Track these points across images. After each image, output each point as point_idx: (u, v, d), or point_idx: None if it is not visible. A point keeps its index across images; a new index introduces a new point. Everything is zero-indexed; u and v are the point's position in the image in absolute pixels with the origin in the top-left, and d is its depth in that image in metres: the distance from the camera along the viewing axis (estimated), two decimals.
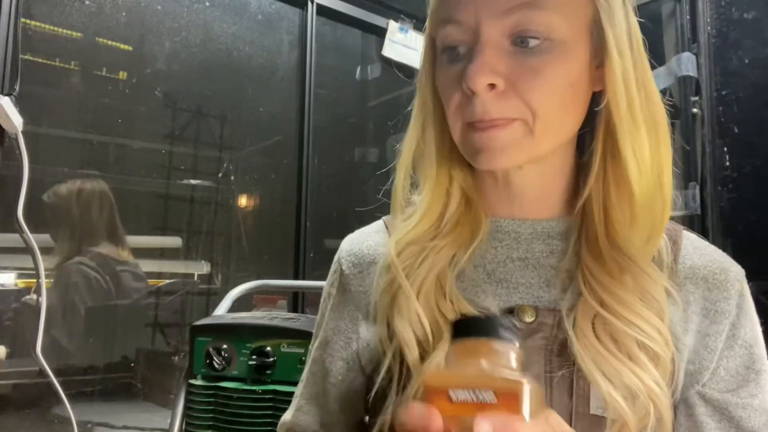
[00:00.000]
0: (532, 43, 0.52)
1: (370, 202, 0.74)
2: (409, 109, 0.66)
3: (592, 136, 0.59)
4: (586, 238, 0.59)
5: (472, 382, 0.38)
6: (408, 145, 0.64)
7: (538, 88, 0.53)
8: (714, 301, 0.58)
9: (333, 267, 0.71)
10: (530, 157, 0.57)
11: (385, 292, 0.61)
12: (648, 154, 0.56)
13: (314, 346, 0.70)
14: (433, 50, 0.61)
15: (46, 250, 1.51)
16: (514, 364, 0.40)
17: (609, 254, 0.56)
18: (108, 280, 1.74)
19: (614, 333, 0.53)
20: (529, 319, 0.56)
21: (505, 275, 0.60)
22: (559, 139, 0.57)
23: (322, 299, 0.71)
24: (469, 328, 0.42)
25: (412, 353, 0.56)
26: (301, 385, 0.71)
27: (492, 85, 0.52)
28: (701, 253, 0.61)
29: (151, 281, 1.87)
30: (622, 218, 0.57)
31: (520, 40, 0.53)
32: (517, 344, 0.41)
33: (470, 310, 0.57)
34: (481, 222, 0.61)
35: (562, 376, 0.53)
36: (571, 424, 0.52)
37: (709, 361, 0.57)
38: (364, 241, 0.69)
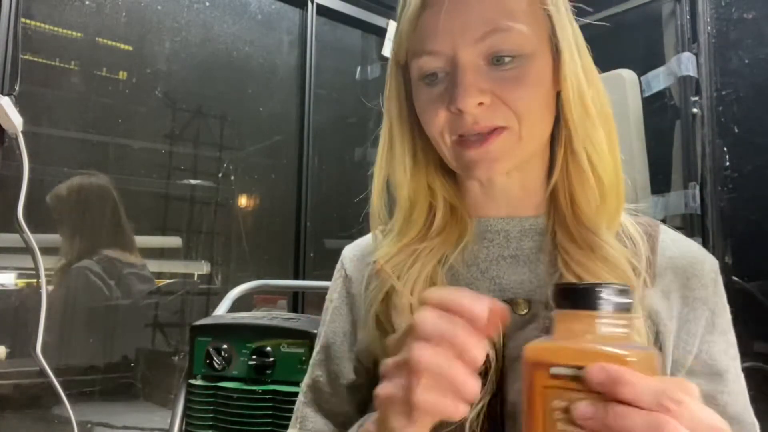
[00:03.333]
0: (507, 60, 0.57)
1: (369, 203, 0.75)
2: (377, 132, 0.68)
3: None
4: (558, 222, 0.63)
5: (574, 358, 0.38)
6: (380, 169, 0.66)
7: (521, 95, 0.57)
8: (692, 288, 0.61)
9: (336, 274, 0.73)
10: (519, 161, 0.61)
11: (375, 298, 0.63)
12: (604, 142, 0.60)
13: (316, 352, 0.71)
14: (399, 75, 0.65)
15: (46, 250, 1.51)
16: (620, 331, 0.39)
17: (577, 230, 0.61)
18: (112, 286, 1.74)
19: None
20: (522, 311, 0.59)
21: (497, 272, 0.63)
22: (541, 141, 0.62)
23: (324, 307, 0.73)
24: (572, 298, 0.41)
25: None
26: (300, 396, 0.71)
27: (480, 103, 0.56)
28: (679, 245, 0.64)
29: None
30: (586, 204, 0.61)
31: (495, 60, 0.57)
32: (631, 308, 0.40)
33: None
34: (466, 224, 0.64)
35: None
36: None
37: (691, 346, 0.60)
38: (364, 249, 0.72)
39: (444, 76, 0.58)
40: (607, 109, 0.62)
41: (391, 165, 0.65)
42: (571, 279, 0.58)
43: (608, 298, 0.39)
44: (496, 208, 0.65)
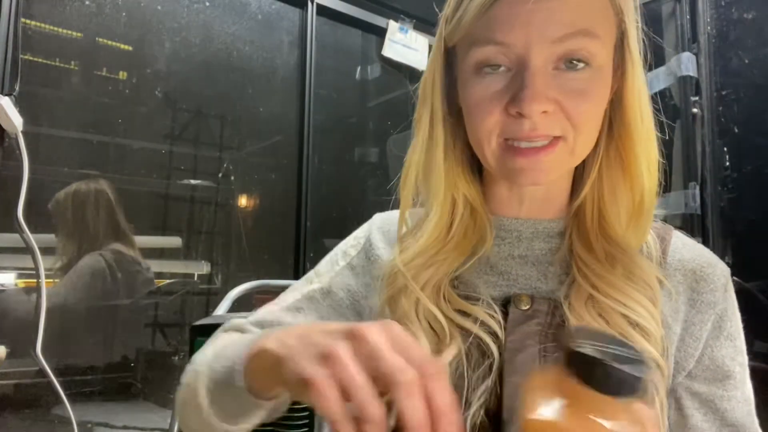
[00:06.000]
0: (579, 67, 0.54)
1: (370, 202, 0.75)
2: (411, 118, 0.66)
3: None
4: (578, 234, 0.62)
5: None
6: (416, 157, 0.63)
7: (584, 108, 0.55)
8: (701, 292, 0.61)
9: (360, 232, 0.72)
10: (566, 171, 0.61)
11: (388, 294, 0.62)
12: (654, 162, 0.60)
13: (312, 288, 0.70)
14: (446, 60, 0.62)
15: (46, 250, 1.51)
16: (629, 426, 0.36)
17: (599, 245, 0.60)
18: (120, 278, 1.74)
19: (605, 314, 0.56)
20: (524, 306, 0.59)
21: (506, 268, 0.63)
22: (588, 152, 0.60)
23: (333, 254, 0.72)
24: (588, 373, 0.37)
25: (424, 345, 0.57)
26: (276, 302, 0.70)
27: (545, 111, 0.54)
28: (690, 248, 0.64)
29: None
30: (615, 217, 0.61)
31: (567, 65, 0.54)
32: (641, 394, 0.37)
33: (464, 305, 0.59)
34: (486, 232, 0.63)
35: (556, 360, 0.55)
36: None
37: (694, 349, 0.59)
38: (393, 224, 0.70)
39: (505, 72, 0.55)
40: (652, 121, 0.61)
41: (429, 158, 0.63)
42: (587, 288, 0.57)
43: (627, 384, 0.36)
44: (517, 210, 0.65)
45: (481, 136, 0.57)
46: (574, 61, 0.54)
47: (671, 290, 0.60)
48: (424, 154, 0.63)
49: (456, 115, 0.63)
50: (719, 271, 0.62)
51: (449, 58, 0.62)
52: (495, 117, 0.56)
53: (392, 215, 0.72)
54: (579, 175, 0.64)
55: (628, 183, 0.60)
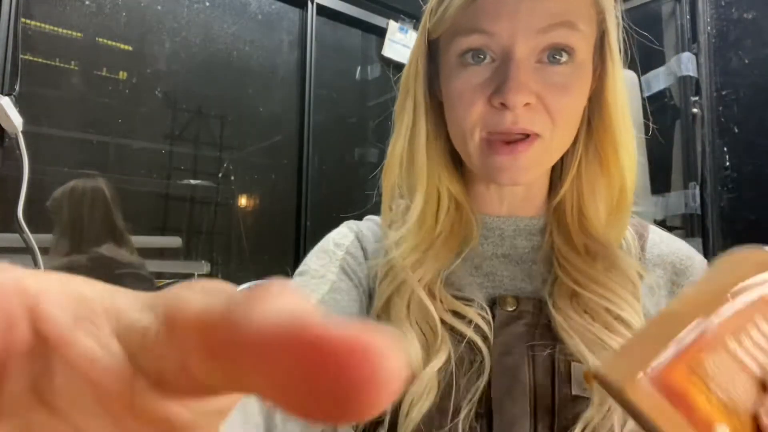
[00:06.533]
0: (563, 60, 0.55)
1: (370, 203, 0.74)
2: (392, 109, 0.66)
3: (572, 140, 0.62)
4: (559, 230, 0.62)
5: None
6: (399, 146, 0.63)
7: (564, 103, 0.55)
8: (680, 285, 0.61)
9: (343, 227, 0.68)
10: (545, 169, 0.61)
11: (386, 295, 0.61)
12: (633, 157, 0.60)
13: (327, 281, 0.62)
14: (428, 52, 0.62)
15: (46, 250, 1.51)
16: None
17: (580, 240, 0.60)
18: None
19: (588, 308, 0.56)
20: (510, 308, 0.58)
21: (491, 269, 0.62)
22: (566, 150, 0.60)
23: (324, 247, 0.66)
24: None
25: (415, 350, 0.56)
26: None
27: (527, 104, 0.54)
28: (667, 243, 0.65)
29: None
30: (594, 213, 0.61)
31: (551, 57, 0.55)
32: None
33: (459, 306, 0.58)
34: (472, 227, 0.63)
35: (544, 360, 0.56)
36: (554, 406, 0.54)
37: None
38: (367, 230, 0.69)
39: (488, 64, 0.56)
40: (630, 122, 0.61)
41: (412, 146, 0.62)
42: (569, 283, 0.58)
43: None
44: (498, 207, 0.65)
45: (464, 129, 0.57)
46: (557, 55, 0.55)
47: (652, 284, 0.60)
48: (408, 143, 0.63)
49: (437, 110, 0.63)
50: (697, 263, 0.63)
51: (432, 52, 0.62)
52: (478, 109, 0.56)
53: (364, 222, 0.71)
54: (557, 172, 0.64)
55: (607, 179, 0.61)
